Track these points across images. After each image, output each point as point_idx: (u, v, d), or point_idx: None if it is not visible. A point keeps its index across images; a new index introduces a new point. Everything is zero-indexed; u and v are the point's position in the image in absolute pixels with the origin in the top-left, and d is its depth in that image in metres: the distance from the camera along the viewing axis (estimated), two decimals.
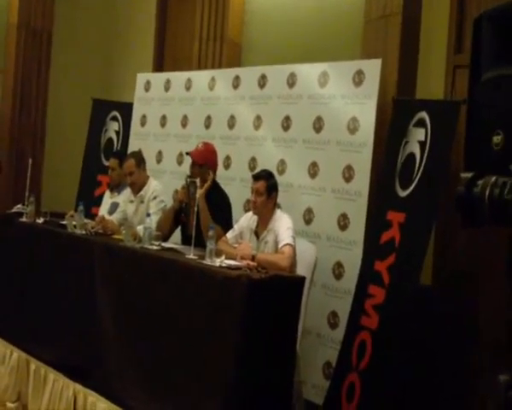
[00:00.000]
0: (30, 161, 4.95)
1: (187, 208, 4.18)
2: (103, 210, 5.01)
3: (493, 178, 1.84)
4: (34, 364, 4.22)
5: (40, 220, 4.77)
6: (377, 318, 3.56)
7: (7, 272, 4.86)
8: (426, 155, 3.59)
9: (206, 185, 4.08)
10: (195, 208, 3.75)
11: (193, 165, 4.24)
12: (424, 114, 3.70)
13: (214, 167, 4.29)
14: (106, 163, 5.73)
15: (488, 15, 2.00)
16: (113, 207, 4.86)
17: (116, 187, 5.05)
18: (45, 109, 6.73)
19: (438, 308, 3.86)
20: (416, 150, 3.68)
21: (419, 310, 3.55)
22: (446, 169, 3.53)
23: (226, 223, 4.07)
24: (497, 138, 1.91)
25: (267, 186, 3.78)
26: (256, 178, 3.84)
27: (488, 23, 2.00)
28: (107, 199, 5.12)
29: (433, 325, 3.82)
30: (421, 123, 3.71)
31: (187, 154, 4.36)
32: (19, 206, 5.06)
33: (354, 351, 3.65)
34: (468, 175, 1.94)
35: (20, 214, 4.89)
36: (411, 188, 3.62)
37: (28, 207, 4.83)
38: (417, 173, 3.61)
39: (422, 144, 3.64)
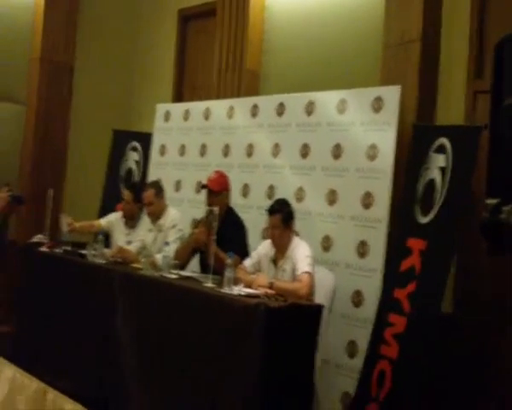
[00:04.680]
0: (51, 192, 4.99)
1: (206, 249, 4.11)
2: (120, 240, 5.01)
3: None
4: (52, 394, 4.18)
5: (60, 250, 4.79)
6: (397, 347, 3.51)
7: (26, 302, 4.88)
8: (447, 181, 3.55)
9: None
10: (213, 237, 3.75)
11: (209, 195, 4.26)
12: (444, 140, 3.68)
13: (229, 192, 4.36)
14: None
15: (509, 40, 1.98)
16: (129, 245, 4.85)
17: (130, 219, 5.05)
18: (66, 141, 6.80)
19: (460, 337, 3.78)
20: (437, 176, 3.65)
21: (441, 339, 3.48)
22: (468, 195, 3.49)
23: (242, 249, 4.08)
24: None
25: (283, 218, 3.77)
26: (271, 212, 3.82)
27: (509, 48, 1.98)
28: (122, 228, 5.10)
29: (455, 354, 3.74)
30: (441, 149, 3.69)
31: (202, 187, 4.38)
32: (39, 235, 5.10)
33: (373, 381, 3.59)
34: (494, 201, 1.92)
35: (40, 244, 4.92)
36: (432, 214, 3.58)
37: (49, 237, 4.87)
38: (438, 200, 3.57)
39: (443, 170, 3.62)
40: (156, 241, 4.69)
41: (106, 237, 4.92)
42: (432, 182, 3.68)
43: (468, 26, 4.25)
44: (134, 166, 6.32)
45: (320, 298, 3.65)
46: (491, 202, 1.93)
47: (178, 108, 5.93)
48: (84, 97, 6.89)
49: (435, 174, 3.68)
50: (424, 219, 3.64)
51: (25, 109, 6.69)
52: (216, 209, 3.98)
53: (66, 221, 4.84)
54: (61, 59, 6.76)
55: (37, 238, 5.09)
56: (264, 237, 4.37)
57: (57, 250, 4.80)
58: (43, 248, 4.87)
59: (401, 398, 3.37)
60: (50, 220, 5.00)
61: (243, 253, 4.02)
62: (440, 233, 3.48)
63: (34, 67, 6.71)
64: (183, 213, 4.89)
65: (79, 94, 6.88)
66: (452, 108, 4.22)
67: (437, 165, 3.69)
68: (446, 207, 3.51)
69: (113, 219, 5.15)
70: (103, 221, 5.17)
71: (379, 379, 3.56)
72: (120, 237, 5.05)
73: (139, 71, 7.24)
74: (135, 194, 5.00)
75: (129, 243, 4.87)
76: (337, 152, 4.37)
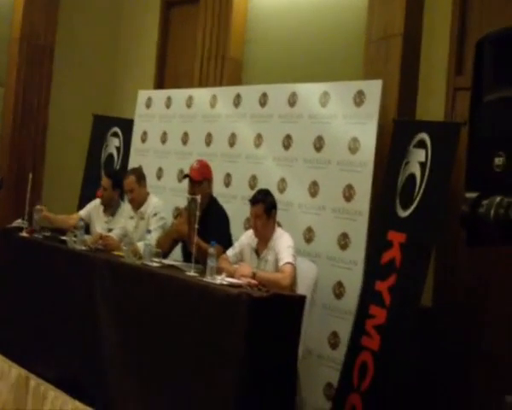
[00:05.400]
0: (30, 175, 4.96)
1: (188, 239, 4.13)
2: (99, 228, 5.00)
3: (498, 199, 1.88)
4: (34, 380, 4.20)
5: (39, 236, 4.77)
6: (379, 338, 3.56)
7: (7, 286, 4.86)
8: (426, 175, 3.61)
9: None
10: (195, 226, 3.76)
11: (191, 184, 4.27)
12: (425, 136, 3.73)
13: (211, 181, 4.36)
14: None
15: (490, 39, 2.04)
16: (110, 232, 4.84)
17: (109, 207, 5.04)
18: (46, 124, 6.74)
19: (439, 329, 3.87)
20: (417, 171, 3.71)
21: (420, 331, 3.56)
22: (447, 190, 3.54)
23: (225, 239, 4.10)
24: (498, 160, 1.94)
25: (265, 208, 3.80)
26: (253, 202, 3.84)
27: (490, 46, 2.04)
28: (101, 216, 5.09)
29: (434, 345, 3.83)
30: (421, 144, 3.74)
31: (184, 177, 4.40)
32: (19, 220, 5.06)
33: (355, 372, 3.64)
34: (473, 195, 1.98)
35: (20, 229, 4.90)
36: (412, 208, 3.64)
37: (28, 222, 4.84)
38: (418, 194, 3.63)
39: (423, 165, 3.67)
40: (137, 229, 4.69)
41: (86, 227, 4.92)
42: (412, 176, 3.74)
43: (449, 23, 4.29)
44: (115, 153, 6.29)
45: (302, 289, 3.68)
46: (471, 195, 1.98)
47: (160, 95, 5.90)
48: (64, 81, 6.83)
49: (415, 169, 3.73)
50: (404, 213, 3.70)
51: (3, 90, 6.62)
52: (198, 198, 4.01)
53: (37, 208, 4.84)
54: (42, 41, 6.69)
55: (17, 223, 5.05)
56: (247, 228, 4.41)
57: (37, 236, 4.78)
58: (23, 234, 4.85)
59: (383, 389, 3.42)
60: (29, 205, 4.97)
61: (226, 243, 4.04)
62: (420, 227, 3.54)
63: (14, 48, 6.63)
64: (164, 201, 4.89)
65: (60, 77, 6.81)
66: (432, 103, 4.28)
67: (417, 160, 3.74)
68: (426, 201, 3.57)
69: (92, 208, 5.14)
70: (82, 212, 5.14)
71: (361, 370, 3.61)
72: (100, 225, 5.05)
73: (121, 56, 7.19)
74: (113, 181, 4.99)
75: (109, 230, 4.87)
76: (319, 144, 4.40)
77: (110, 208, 5.05)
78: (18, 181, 6.10)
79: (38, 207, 4.87)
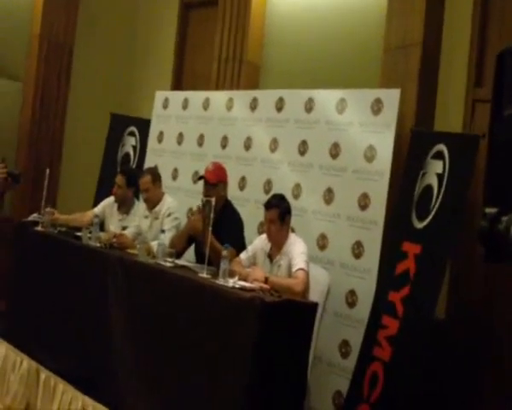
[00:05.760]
0: (47, 171, 4.99)
1: (202, 237, 4.13)
2: (113, 225, 5.03)
3: None
4: (44, 373, 4.22)
5: (55, 231, 4.80)
6: (390, 349, 3.54)
7: (20, 280, 4.90)
8: (443, 187, 3.59)
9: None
10: (209, 228, 3.77)
11: (206, 186, 4.28)
12: (442, 147, 3.71)
13: (226, 183, 4.36)
14: None
15: (511, 51, 2.03)
16: (124, 230, 4.86)
17: (123, 205, 5.07)
18: (64, 121, 6.79)
19: (452, 342, 3.84)
20: (434, 182, 3.69)
21: (433, 344, 3.54)
22: (464, 203, 3.53)
23: (238, 242, 4.10)
24: None
25: (280, 213, 3.79)
26: (268, 207, 3.83)
27: (511, 58, 2.02)
28: (115, 214, 5.13)
29: (446, 359, 3.81)
30: (439, 155, 3.72)
31: (199, 179, 4.41)
32: (35, 215, 5.08)
33: (366, 382, 3.63)
34: (493, 211, 1.95)
35: (36, 223, 4.93)
36: (428, 220, 3.62)
37: (44, 217, 4.87)
38: (434, 205, 3.61)
39: (440, 177, 3.65)
40: (151, 228, 4.72)
41: (101, 224, 4.95)
42: (429, 187, 3.72)
43: (469, 34, 4.27)
44: (131, 152, 6.32)
45: (314, 296, 3.67)
46: (490, 211, 1.95)
47: (177, 96, 5.92)
48: (82, 79, 6.88)
49: (432, 180, 3.72)
50: (420, 224, 3.68)
51: (22, 86, 6.66)
52: (212, 201, 4.01)
53: (48, 211, 4.86)
54: (61, 38, 6.74)
55: (33, 217, 5.08)
56: (260, 232, 4.42)
57: (52, 230, 4.82)
58: (39, 228, 4.88)
59: (393, 401, 3.40)
60: (46, 200, 5.01)
61: (239, 246, 4.04)
62: (435, 239, 3.52)
63: (33, 45, 6.67)
64: (179, 202, 4.89)
65: (78, 75, 6.86)
66: (450, 115, 4.26)
67: (434, 171, 3.73)
68: (442, 213, 3.55)
69: (107, 205, 5.17)
70: (96, 209, 5.18)
71: (371, 380, 3.59)
72: (114, 222, 5.08)
73: (139, 56, 7.23)
74: (127, 178, 5.01)
75: (123, 228, 4.89)
76: (335, 151, 4.40)
77: (124, 206, 5.07)
78: (35, 176, 6.13)
79: (49, 209, 4.88)
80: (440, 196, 3.59)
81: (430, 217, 3.61)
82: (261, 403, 3.13)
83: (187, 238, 4.38)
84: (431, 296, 3.43)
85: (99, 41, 6.99)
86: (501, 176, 2.01)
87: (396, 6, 4.47)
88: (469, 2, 4.28)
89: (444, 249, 3.52)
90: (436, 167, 3.71)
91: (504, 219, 1.90)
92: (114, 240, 4.45)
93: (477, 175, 3.46)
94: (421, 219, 3.69)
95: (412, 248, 3.62)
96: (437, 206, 3.59)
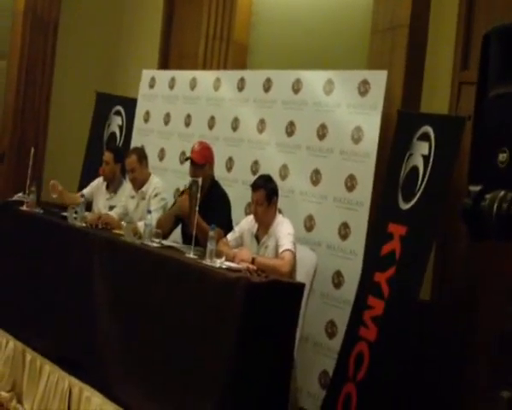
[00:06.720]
0: (32, 149, 4.96)
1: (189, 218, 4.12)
2: (101, 204, 5.03)
3: (502, 193, 1.87)
4: (30, 354, 4.22)
5: (40, 210, 4.78)
6: (376, 330, 3.56)
7: (6, 260, 4.87)
8: (429, 169, 3.60)
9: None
10: (196, 208, 3.77)
11: (193, 166, 4.27)
12: (428, 128, 3.72)
13: (212, 163, 4.36)
14: None
15: (497, 32, 2.02)
16: (111, 209, 4.86)
17: (111, 183, 5.07)
18: (49, 99, 6.72)
19: (436, 324, 3.88)
20: (420, 164, 3.70)
21: (418, 325, 3.58)
22: (449, 184, 3.54)
23: (225, 222, 4.11)
24: (502, 156, 1.92)
25: (266, 194, 3.79)
26: (254, 188, 3.83)
27: (497, 40, 2.02)
28: (103, 193, 5.12)
29: (431, 340, 3.85)
30: (425, 137, 3.73)
31: (186, 159, 4.40)
32: (20, 194, 5.07)
33: (351, 362, 3.65)
34: (476, 188, 1.96)
35: (21, 203, 4.90)
36: (414, 201, 3.63)
37: (29, 196, 4.85)
38: (420, 187, 3.62)
39: (426, 158, 3.66)
40: (138, 208, 4.71)
41: (89, 204, 4.94)
42: (415, 169, 3.73)
43: (456, 16, 4.28)
44: (117, 131, 6.28)
45: (301, 277, 3.69)
46: (474, 188, 1.96)
47: (164, 76, 5.87)
48: (68, 57, 6.80)
49: (418, 161, 3.72)
50: (405, 206, 3.70)
51: (6, 63, 6.58)
52: (199, 181, 4.01)
53: (53, 185, 4.86)
54: (46, 16, 6.65)
55: (18, 197, 5.06)
56: (248, 213, 4.42)
57: (37, 210, 4.79)
58: (24, 207, 4.85)
59: (378, 380, 3.44)
60: (30, 179, 4.98)
61: (226, 226, 4.05)
62: (421, 220, 3.54)
63: (17, 21, 6.59)
64: (166, 182, 4.89)
65: (63, 53, 6.78)
66: (437, 97, 4.27)
67: (420, 152, 3.73)
68: (427, 194, 3.56)
69: (95, 185, 5.18)
70: (85, 191, 5.18)
71: (357, 360, 3.62)
72: (102, 201, 5.08)
73: (125, 35, 7.15)
74: (115, 154, 5.01)
75: (110, 207, 4.89)
76: (322, 132, 4.39)
77: (112, 185, 5.08)
78: (20, 155, 6.09)
79: (53, 182, 4.88)
80: (426, 178, 3.60)
81: (416, 198, 3.63)
82: (247, 384, 3.15)
83: (174, 219, 4.38)
84: (416, 277, 3.46)
85: (84, 18, 6.91)
86: (485, 157, 2.02)
87: None
88: None
89: (429, 231, 3.54)
90: (422, 149, 3.71)
91: (488, 196, 1.91)
92: (100, 221, 4.44)
93: (463, 157, 3.47)
94: (406, 200, 3.70)
95: (398, 230, 3.63)
96: (422, 187, 3.60)
